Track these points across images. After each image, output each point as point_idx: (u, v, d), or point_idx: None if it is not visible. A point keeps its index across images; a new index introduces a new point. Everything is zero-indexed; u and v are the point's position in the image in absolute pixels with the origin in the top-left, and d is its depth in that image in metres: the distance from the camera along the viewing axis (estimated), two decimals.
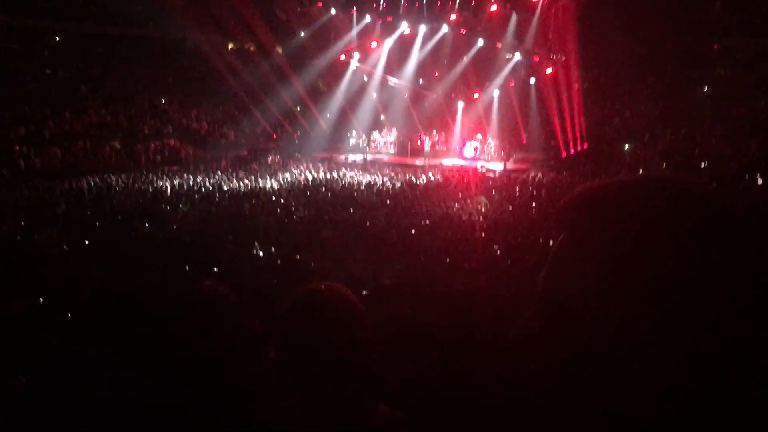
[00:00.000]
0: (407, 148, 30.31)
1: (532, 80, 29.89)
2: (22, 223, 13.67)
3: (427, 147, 30.58)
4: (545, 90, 28.50)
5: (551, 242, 0.92)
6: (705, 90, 27.38)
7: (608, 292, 0.80)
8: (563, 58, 28.50)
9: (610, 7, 27.94)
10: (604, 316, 0.80)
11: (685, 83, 28.13)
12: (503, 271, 8.82)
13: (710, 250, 0.76)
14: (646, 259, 0.78)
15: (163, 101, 30.64)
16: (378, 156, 30.49)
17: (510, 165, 27.48)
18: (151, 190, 19.56)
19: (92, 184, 20.33)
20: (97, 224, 13.60)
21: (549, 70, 28.99)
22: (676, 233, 0.78)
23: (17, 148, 22.28)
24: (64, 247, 11.05)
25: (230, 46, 34.73)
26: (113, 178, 21.57)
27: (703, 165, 20.75)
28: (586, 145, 26.73)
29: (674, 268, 0.76)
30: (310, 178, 23.70)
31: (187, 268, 9.67)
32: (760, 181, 18.05)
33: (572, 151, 26.90)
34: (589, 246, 0.85)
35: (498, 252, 11.09)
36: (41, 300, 7.35)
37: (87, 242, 11.53)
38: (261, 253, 11.35)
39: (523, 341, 0.94)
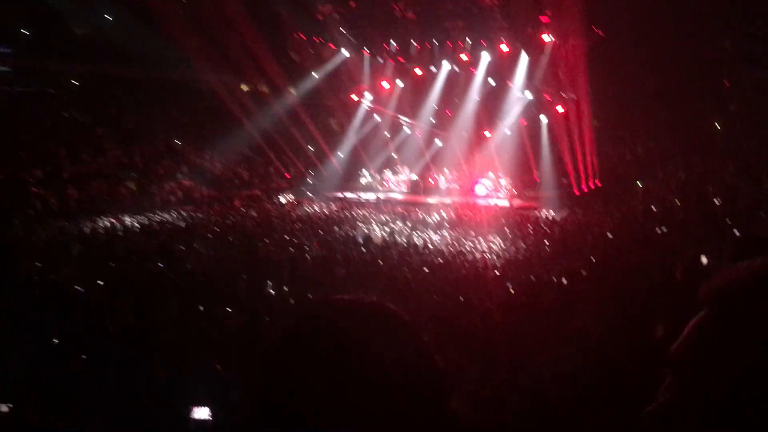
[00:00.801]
0: (420, 186, 30.41)
1: (544, 119, 30.03)
2: (37, 264, 13.75)
3: (439, 185, 30.70)
4: (557, 128, 28.61)
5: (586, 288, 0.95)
6: (717, 126, 27.38)
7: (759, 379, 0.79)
8: (574, 97, 28.65)
9: (620, 45, 28.14)
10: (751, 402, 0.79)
11: (697, 119, 28.16)
12: (517, 310, 8.76)
13: None
14: None
15: (178, 142, 31.02)
16: (390, 194, 30.61)
17: (521, 203, 27.50)
18: (165, 230, 19.69)
19: (107, 224, 20.51)
20: (113, 264, 13.67)
21: (560, 109, 29.14)
22: None
23: (34, 189, 22.55)
24: (79, 287, 11.10)
25: (244, 88, 35.22)
26: (128, 219, 21.75)
27: (717, 202, 20.64)
28: (598, 183, 26.71)
29: None
30: (322, 217, 23.78)
31: (201, 308, 9.69)
32: None
33: (585, 188, 26.89)
34: (743, 330, 0.84)
35: (512, 290, 11.04)
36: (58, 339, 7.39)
37: (101, 282, 11.58)
38: (273, 292, 11.36)
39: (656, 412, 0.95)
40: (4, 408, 4.76)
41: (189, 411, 5.09)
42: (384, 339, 1.08)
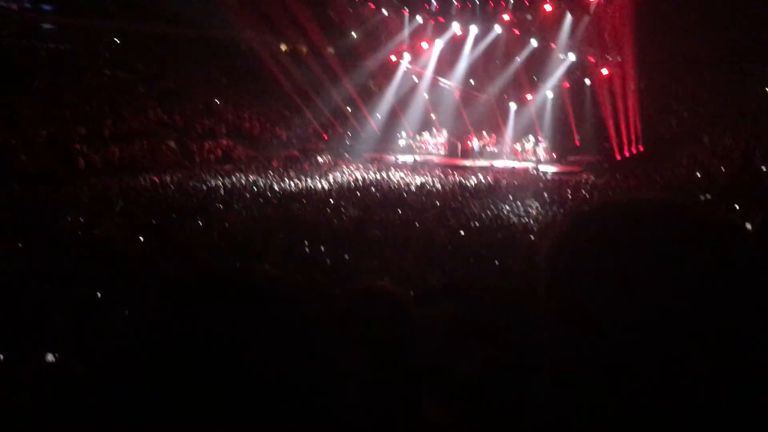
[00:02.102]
0: (457, 149, 30.19)
1: (587, 81, 29.39)
2: (81, 219, 14.06)
3: (477, 148, 30.42)
4: (600, 91, 27.99)
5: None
6: (765, 89, 26.46)
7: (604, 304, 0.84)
8: (619, 59, 27.93)
9: (666, 5, 27.25)
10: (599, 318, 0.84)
11: (744, 82, 27.25)
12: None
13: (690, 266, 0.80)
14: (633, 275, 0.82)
15: (217, 101, 31.19)
16: (428, 157, 30.45)
17: (562, 167, 27.12)
18: (204, 188, 19.92)
19: (149, 182, 20.83)
20: (153, 222, 13.90)
21: (605, 71, 28.46)
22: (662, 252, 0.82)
23: (77, 146, 22.96)
24: (121, 243, 11.33)
25: (283, 47, 35.13)
26: (168, 177, 22.05)
27: (765, 168, 20.05)
28: (641, 147, 26.17)
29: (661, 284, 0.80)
30: (360, 178, 23.79)
31: (237, 264, 9.80)
32: None
33: (627, 153, 26.38)
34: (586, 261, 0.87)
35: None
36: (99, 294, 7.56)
37: (141, 238, 11.80)
38: (309, 251, 11.43)
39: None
40: (51, 357, 4.89)
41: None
42: (373, 331, 1.09)
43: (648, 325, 0.80)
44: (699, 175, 20.76)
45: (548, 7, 29.04)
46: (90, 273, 8.42)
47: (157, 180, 21.33)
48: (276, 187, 20.81)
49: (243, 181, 21.92)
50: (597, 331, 0.83)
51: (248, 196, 18.88)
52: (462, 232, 13.64)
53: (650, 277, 0.81)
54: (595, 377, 0.84)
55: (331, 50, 33.72)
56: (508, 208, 17.86)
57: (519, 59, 31.03)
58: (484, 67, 32.48)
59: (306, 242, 11.73)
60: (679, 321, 0.79)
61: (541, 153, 29.06)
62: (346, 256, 10.76)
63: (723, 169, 20.83)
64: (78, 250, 10.35)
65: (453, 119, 32.14)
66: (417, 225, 14.48)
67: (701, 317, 0.78)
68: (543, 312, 0.94)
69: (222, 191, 19.44)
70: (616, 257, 0.84)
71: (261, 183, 21.66)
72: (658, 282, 0.80)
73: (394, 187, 21.62)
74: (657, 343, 0.79)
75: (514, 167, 27.22)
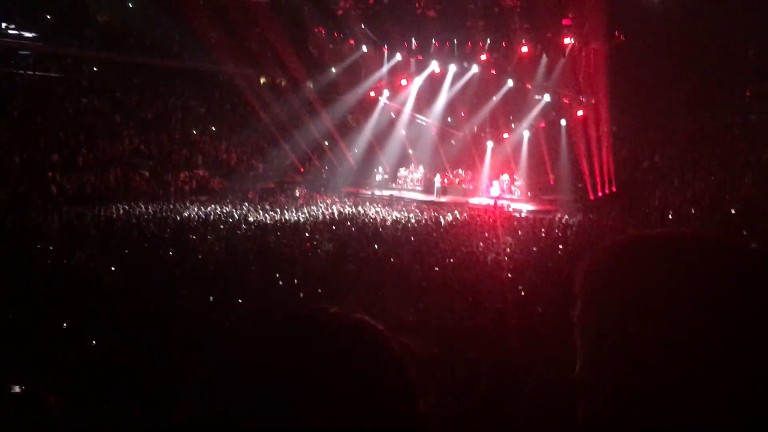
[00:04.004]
0: (434, 185, 30.38)
1: (562, 122, 29.88)
2: (52, 248, 13.85)
3: (453, 185, 30.64)
4: (575, 132, 28.45)
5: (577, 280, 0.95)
6: (737, 136, 27.11)
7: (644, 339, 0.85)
8: (593, 101, 28.49)
9: (640, 51, 27.95)
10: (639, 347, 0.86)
11: (716, 129, 27.91)
12: (528, 311, 8.70)
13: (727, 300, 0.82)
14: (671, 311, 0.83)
15: (195, 132, 31.14)
16: (404, 193, 30.58)
17: (536, 205, 27.40)
18: (179, 219, 19.76)
19: (121, 211, 20.62)
20: (125, 251, 13.73)
21: (579, 113, 28.98)
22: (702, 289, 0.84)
23: (50, 173, 22.71)
24: (92, 272, 11.17)
25: (262, 80, 35.32)
26: (142, 206, 21.85)
27: (733, 211, 20.45)
28: (614, 188, 26.55)
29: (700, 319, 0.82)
30: (336, 212, 23.78)
31: (211, 297, 9.71)
32: None
33: (600, 193, 26.73)
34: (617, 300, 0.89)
35: (523, 292, 10.97)
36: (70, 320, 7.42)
37: (114, 267, 11.64)
38: (283, 285, 11.36)
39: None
40: (17, 389, 4.77)
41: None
42: (365, 351, 1.01)
43: (689, 356, 0.81)
44: (670, 217, 21.09)
45: (525, 49, 29.64)
46: (61, 302, 8.28)
47: (130, 209, 21.13)
48: (251, 219, 20.71)
49: (218, 212, 21.79)
50: (638, 361, 0.85)
51: (223, 227, 18.76)
52: (437, 269, 13.66)
53: (692, 309, 0.83)
54: (634, 404, 0.85)
55: (310, 84, 33.97)
56: (482, 244, 17.94)
57: (496, 98, 31.53)
58: (461, 106, 32.92)
59: (280, 276, 11.65)
60: (721, 351, 0.80)
61: (517, 191, 29.35)
62: (320, 290, 10.71)
63: (693, 212, 21.19)
64: (49, 279, 10.18)
65: (430, 156, 32.41)
66: (392, 260, 14.46)
67: (744, 348, 0.80)
68: (578, 342, 0.96)
69: (196, 222, 19.29)
70: (657, 290, 0.86)
71: (236, 214, 21.55)
72: (702, 314, 0.82)
73: (370, 221, 21.63)
74: (700, 372, 0.80)
75: (489, 204, 27.41)
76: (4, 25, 28.47)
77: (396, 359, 1.02)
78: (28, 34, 29.36)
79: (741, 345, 0.80)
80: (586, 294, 0.95)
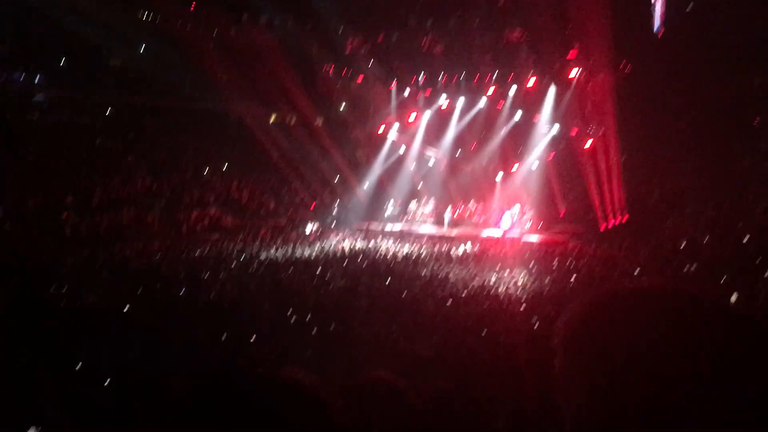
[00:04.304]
0: (444, 218, 30.37)
1: (571, 153, 29.94)
2: (65, 289, 13.93)
3: (464, 218, 30.65)
4: (584, 163, 28.50)
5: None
6: (747, 164, 27.06)
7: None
8: (602, 132, 28.58)
9: (648, 81, 28.10)
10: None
11: (726, 157, 27.87)
12: (542, 345, 8.66)
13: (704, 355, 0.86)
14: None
15: (206, 171, 31.44)
16: (415, 226, 30.60)
17: (547, 237, 27.34)
18: (191, 258, 19.86)
19: (135, 251, 20.76)
20: (139, 291, 13.80)
21: (588, 143, 29.07)
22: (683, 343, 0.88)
23: (64, 215, 22.94)
24: (106, 311, 11.21)
25: (272, 118, 35.72)
26: (155, 246, 22.00)
27: (746, 239, 20.31)
28: (625, 219, 26.47)
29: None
30: (347, 247, 23.83)
31: (224, 336, 9.72)
32: None
33: (611, 224, 26.65)
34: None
35: (536, 325, 10.91)
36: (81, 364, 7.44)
37: (127, 308, 11.68)
38: (296, 321, 11.36)
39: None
40: (33, 431, 4.79)
41: None
42: (300, 416, 0.97)
43: (664, 404, 0.85)
44: (683, 246, 20.98)
45: (532, 82, 29.91)
46: (75, 344, 8.31)
47: (143, 248, 21.27)
48: (263, 257, 20.78)
49: (230, 250, 21.89)
50: (618, 409, 0.88)
51: (235, 265, 18.83)
52: (449, 302, 13.63)
53: (663, 360, 0.87)
54: None
55: (319, 121, 34.31)
56: (494, 277, 17.90)
57: (504, 131, 31.71)
58: (470, 139, 33.10)
59: (292, 312, 11.66)
60: (698, 399, 0.84)
61: (527, 223, 29.30)
62: (332, 327, 10.70)
63: (707, 240, 21.07)
64: (63, 320, 10.23)
65: (440, 189, 32.51)
66: (404, 295, 14.45)
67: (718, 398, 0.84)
68: (560, 385, 0.98)
69: (209, 260, 19.37)
70: (629, 342, 0.90)
71: (248, 252, 21.64)
72: (672, 365, 0.86)
73: (381, 256, 21.66)
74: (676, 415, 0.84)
75: (500, 237, 27.37)
76: (18, 70, 29.07)
77: (330, 416, 0.99)
78: (39, 78, 29.94)
79: (711, 395, 0.84)
80: (567, 346, 0.98)
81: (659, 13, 27.84)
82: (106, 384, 6.82)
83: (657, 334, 0.90)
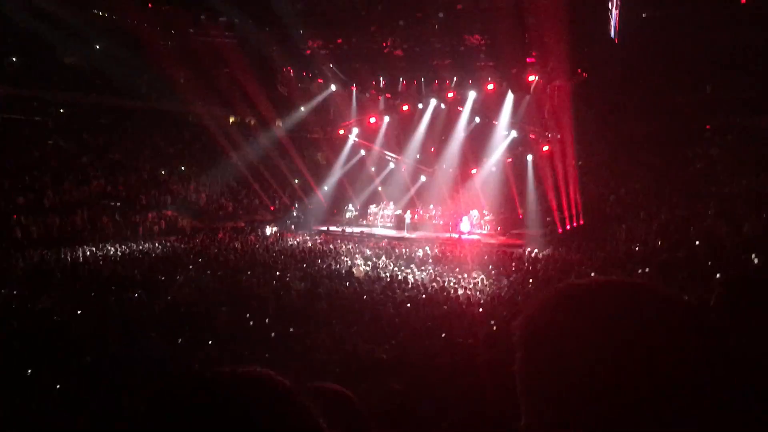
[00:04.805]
0: (404, 221, 30.46)
1: (529, 157, 30.30)
2: (15, 292, 13.58)
3: (424, 221, 30.77)
4: (542, 166, 28.87)
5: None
6: (699, 169, 27.78)
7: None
8: (559, 136, 29.01)
9: (604, 87, 28.67)
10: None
11: (679, 162, 28.57)
12: (500, 347, 8.73)
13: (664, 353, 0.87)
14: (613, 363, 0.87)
15: (163, 172, 30.96)
16: (375, 229, 30.60)
17: (505, 240, 27.63)
18: (147, 260, 19.53)
19: (88, 253, 20.33)
20: (92, 294, 13.51)
21: (545, 148, 29.47)
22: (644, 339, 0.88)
23: (15, 216, 22.34)
24: (59, 316, 10.95)
25: (231, 120, 35.39)
26: (110, 248, 21.57)
27: (698, 243, 20.82)
28: (582, 222, 26.90)
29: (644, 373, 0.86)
30: (307, 250, 23.71)
31: (180, 339, 9.58)
32: (756, 261, 18.08)
33: (569, 227, 27.05)
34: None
35: (495, 327, 11.01)
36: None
37: (80, 312, 11.43)
38: (254, 324, 11.25)
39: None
40: None
41: None
42: (266, 410, 0.95)
43: (621, 399, 0.85)
44: (637, 250, 21.41)
45: (490, 86, 30.20)
46: (26, 348, 8.09)
47: (98, 251, 20.85)
48: (221, 259, 20.55)
49: (187, 253, 21.59)
50: (575, 407, 0.88)
51: (192, 267, 18.57)
52: (408, 305, 13.66)
53: (620, 354, 0.87)
54: None
55: (279, 123, 34.10)
56: (454, 280, 18.01)
57: (463, 135, 31.96)
58: (430, 142, 33.26)
59: (251, 315, 11.55)
60: (647, 393, 0.85)
61: (486, 226, 29.57)
62: (292, 330, 10.63)
63: (660, 244, 21.53)
64: (13, 324, 9.96)
65: (400, 192, 32.62)
66: (364, 298, 14.44)
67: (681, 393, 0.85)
68: (520, 384, 0.98)
69: (165, 263, 19.08)
70: (590, 336, 0.90)
71: (206, 254, 21.38)
72: (629, 359, 0.86)
73: (341, 259, 21.62)
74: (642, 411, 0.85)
75: (460, 239, 27.54)
76: None
77: (303, 412, 0.97)
78: None
79: (664, 387, 0.85)
80: (525, 344, 0.99)
81: (615, 21, 28.40)
82: (55, 391, 6.67)
83: (615, 329, 0.90)
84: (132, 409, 6.00)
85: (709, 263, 17.63)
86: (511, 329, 1.03)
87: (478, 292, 16.21)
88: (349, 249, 24.48)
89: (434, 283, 17.22)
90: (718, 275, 15.58)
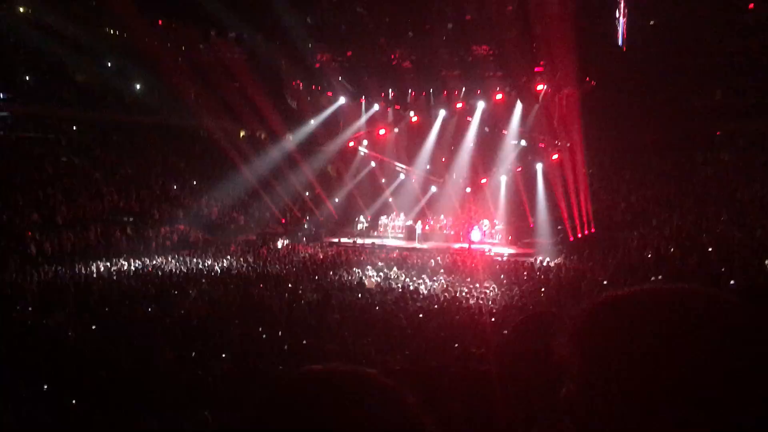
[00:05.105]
0: (415, 232, 30.48)
1: (539, 166, 30.27)
2: (31, 308, 13.68)
3: (435, 231, 30.78)
4: (551, 175, 28.83)
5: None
6: (709, 174, 27.66)
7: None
8: (568, 145, 28.98)
9: (611, 95, 28.62)
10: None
11: (690, 167, 28.46)
12: (513, 357, 8.70)
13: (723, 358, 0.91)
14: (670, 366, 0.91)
15: (175, 187, 31.14)
16: (386, 240, 30.62)
17: (516, 249, 27.59)
18: (160, 274, 19.62)
19: (102, 269, 20.44)
20: (106, 309, 13.60)
21: (555, 156, 29.44)
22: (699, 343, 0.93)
23: (29, 233, 22.50)
24: (73, 331, 11.03)
25: (242, 134, 35.58)
26: (123, 263, 21.69)
27: (710, 249, 20.70)
28: (593, 230, 26.81)
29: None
30: (318, 262, 23.75)
31: (193, 353, 9.62)
32: None
33: (579, 235, 26.97)
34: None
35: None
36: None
37: (94, 327, 11.50)
38: (267, 336, 11.28)
39: None
40: None
41: None
42: (365, 408, 0.96)
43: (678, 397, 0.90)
44: (649, 257, 21.30)
45: (499, 96, 30.25)
46: (40, 364, 8.16)
47: (111, 266, 20.96)
48: (233, 272, 20.62)
49: (200, 266, 21.68)
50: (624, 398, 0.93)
51: (205, 281, 18.64)
52: (421, 315, 13.66)
53: (669, 353, 0.92)
54: None
55: (289, 136, 34.25)
56: (465, 289, 17.99)
57: (473, 145, 31.99)
58: (439, 153, 33.30)
59: (263, 328, 11.59)
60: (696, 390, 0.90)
61: (497, 235, 29.55)
62: (305, 342, 10.65)
63: (672, 251, 21.42)
64: (28, 341, 10.04)
65: (410, 203, 32.65)
66: (377, 308, 14.45)
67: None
68: (572, 386, 1.03)
69: (178, 277, 19.16)
70: (641, 342, 0.95)
71: (218, 268, 21.46)
72: (688, 362, 0.91)
73: (352, 270, 21.64)
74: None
75: (471, 249, 27.50)
76: None
77: (414, 415, 0.99)
78: (4, 95, 29.48)
79: (711, 383, 0.90)
80: (578, 348, 1.03)
81: (623, 29, 28.38)
82: (69, 406, 6.71)
83: (671, 333, 0.95)
84: (149, 424, 6.03)
85: (722, 269, 17.52)
86: (563, 331, 1.08)
87: (489, 302, 16.18)
88: (360, 260, 24.50)
89: (446, 293, 17.21)
90: (732, 282, 15.52)
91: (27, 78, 31.00)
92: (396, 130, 33.57)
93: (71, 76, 32.38)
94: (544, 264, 22.95)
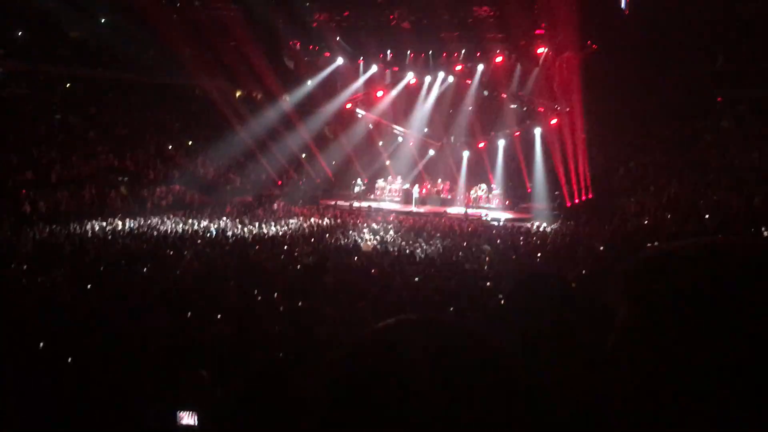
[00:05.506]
0: (412, 196, 30.43)
1: (537, 130, 30.11)
2: (26, 267, 13.63)
3: (431, 195, 30.73)
4: (550, 140, 28.70)
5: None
6: (709, 141, 27.53)
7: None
8: (567, 109, 28.77)
9: (613, 59, 28.31)
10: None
11: (689, 135, 28.32)
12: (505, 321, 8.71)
13: None
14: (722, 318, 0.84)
15: (170, 147, 30.91)
16: (382, 203, 30.58)
17: (514, 214, 27.57)
18: (155, 234, 19.56)
19: (97, 228, 20.37)
20: (101, 268, 13.55)
21: (554, 121, 29.25)
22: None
23: (24, 192, 22.37)
24: (67, 291, 10.99)
25: (238, 94, 35.21)
26: (118, 223, 21.61)
27: (707, 216, 20.70)
28: (591, 195, 26.79)
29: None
30: (314, 224, 23.71)
31: (189, 314, 9.60)
32: (766, 234, 17.97)
33: (577, 200, 26.95)
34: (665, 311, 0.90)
35: (503, 302, 10.98)
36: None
37: (89, 286, 11.46)
38: (263, 298, 11.26)
39: None
40: None
41: (176, 417, 5.01)
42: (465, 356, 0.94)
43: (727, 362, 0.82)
44: (646, 223, 21.31)
45: (499, 59, 29.90)
46: (34, 323, 8.12)
47: (105, 226, 20.88)
48: (229, 233, 20.57)
49: (195, 227, 21.61)
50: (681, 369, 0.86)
51: (200, 242, 18.59)
52: (417, 279, 13.65)
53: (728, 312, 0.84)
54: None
55: (286, 97, 33.91)
56: (461, 254, 17.98)
57: (471, 108, 31.74)
58: (437, 116, 33.06)
59: (259, 290, 11.56)
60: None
61: (494, 200, 29.52)
62: (300, 303, 10.64)
63: (669, 217, 21.42)
64: (22, 299, 10.00)
65: (408, 166, 32.52)
66: (373, 272, 14.43)
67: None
68: (616, 349, 0.96)
69: (173, 237, 19.10)
70: (692, 296, 0.88)
71: (214, 229, 21.40)
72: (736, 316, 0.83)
73: (348, 233, 21.61)
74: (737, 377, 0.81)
75: (467, 214, 27.51)
76: None
77: (519, 368, 0.97)
78: None
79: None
80: (627, 299, 0.98)
81: None
82: (63, 367, 6.69)
83: (707, 286, 0.88)
84: (144, 383, 6.01)
85: (719, 237, 17.52)
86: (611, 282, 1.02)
87: (485, 266, 16.18)
88: (357, 223, 24.46)
89: (442, 258, 17.20)
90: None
91: (20, 34, 30.49)
92: (393, 92, 33.22)
93: (65, 33, 31.86)
94: (541, 229, 22.96)
